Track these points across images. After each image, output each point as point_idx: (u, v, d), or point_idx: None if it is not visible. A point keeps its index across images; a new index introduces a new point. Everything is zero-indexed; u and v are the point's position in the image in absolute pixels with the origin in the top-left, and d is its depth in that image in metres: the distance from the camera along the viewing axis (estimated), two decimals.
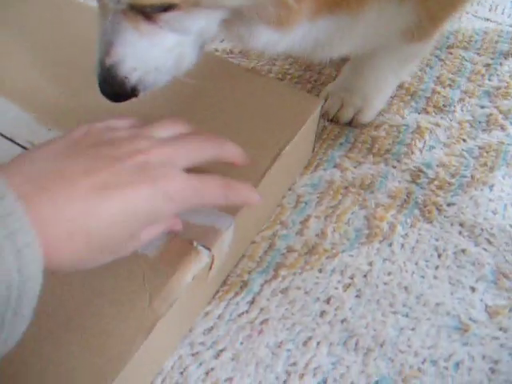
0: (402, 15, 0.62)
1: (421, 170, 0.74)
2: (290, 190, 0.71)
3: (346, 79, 0.81)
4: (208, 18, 0.52)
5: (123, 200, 0.39)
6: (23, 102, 0.63)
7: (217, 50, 0.91)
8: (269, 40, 0.57)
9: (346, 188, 0.72)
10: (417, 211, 0.70)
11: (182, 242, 0.50)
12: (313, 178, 0.73)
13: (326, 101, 0.79)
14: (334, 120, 0.80)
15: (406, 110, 0.82)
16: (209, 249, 0.50)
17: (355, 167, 0.74)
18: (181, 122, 0.50)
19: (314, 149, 0.75)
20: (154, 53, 0.53)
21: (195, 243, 0.50)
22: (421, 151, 0.77)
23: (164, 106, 0.63)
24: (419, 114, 0.82)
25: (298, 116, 0.65)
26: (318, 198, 0.70)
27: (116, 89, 0.54)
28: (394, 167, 0.75)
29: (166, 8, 0.48)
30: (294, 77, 0.87)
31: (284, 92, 0.68)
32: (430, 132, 0.79)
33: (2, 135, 0.59)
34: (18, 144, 0.59)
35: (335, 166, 0.74)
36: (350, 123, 0.80)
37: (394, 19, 0.62)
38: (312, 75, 0.87)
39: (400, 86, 0.85)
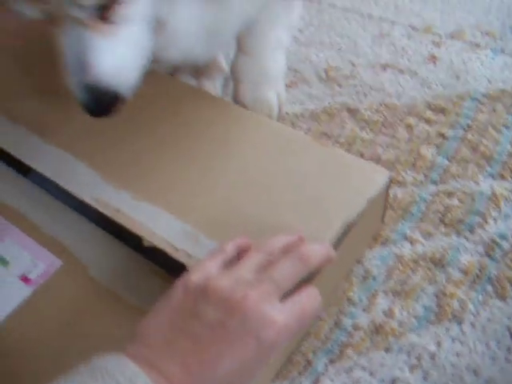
0: None
1: (495, 242, 0.72)
2: (358, 262, 0.71)
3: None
4: None
5: (233, 360, 0.42)
6: (90, 161, 0.69)
7: (287, 114, 0.93)
8: (182, 24, 0.64)
9: (416, 262, 0.71)
10: (489, 287, 0.68)
11: None
12: (382, 250, 0.73)
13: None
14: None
15: (480, 175, 0.80)
16: None
17: (426, 239, 0.73)
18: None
19: (383, 220, 0.75)
20: (121, 50, 0.56)
21: None
22: (495, 221, 0.75)
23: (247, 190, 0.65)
24: (494, 179, 0.80)
25: (366, 187, 0.65)
26: (386, 272, 0.70)
27: (104, 101, 0.56)
28: (467, 239, 0.73)
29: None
30: (365, 140, 0.88)
31: (351, 163, 0.69)
32: (506, 200, 0.77)
33: (69, 192, 0.64)
34: (84, 201, 0.64)
35: (405, 238, 0.74)
36: None
37: None
38: (384, 139, 0.88)
39: (474, 149, 0.84)
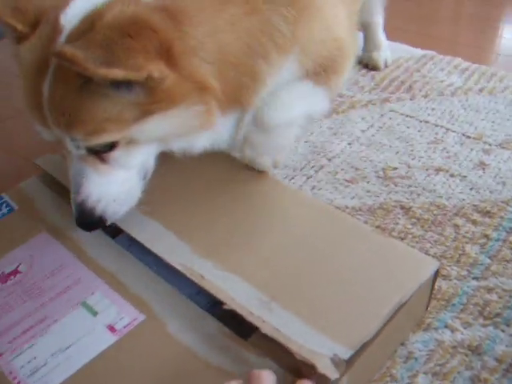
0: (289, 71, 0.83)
1: None
2: (402, 345, 0.81)
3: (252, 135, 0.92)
4: (143, 152, 0.75)
5: None
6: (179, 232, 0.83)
7: (347, 207, 1.06)
8: (203, 143, 0.79)
9: (455, 348, 0.80)
10: None
11: None
12: (424, 335, 0.82)
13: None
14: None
15: None
16: None
17: (465, 328, 0.82)
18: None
19: (427, 308, 0.85)
20: (111, 187, 0.75)
21: None
22: None
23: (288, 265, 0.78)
24: None
25: (415, 276, 0.76)
26: (427, 355, 0.79)
27: (88, 219, 0.75)
28: (503, 331, 0.82)
29: (111, 146, 0.70)
30: (415, 236, 0.98)
31: (405, 252, 0.81)
32: None
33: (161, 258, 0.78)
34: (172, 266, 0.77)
35: (446, 326, 0.83)
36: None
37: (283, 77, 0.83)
38: (432, 235, 0.98)
39: None
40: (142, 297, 0.78)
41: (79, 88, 0.65)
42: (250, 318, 0.70)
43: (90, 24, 0.66)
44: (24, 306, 0.78)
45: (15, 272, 0.84)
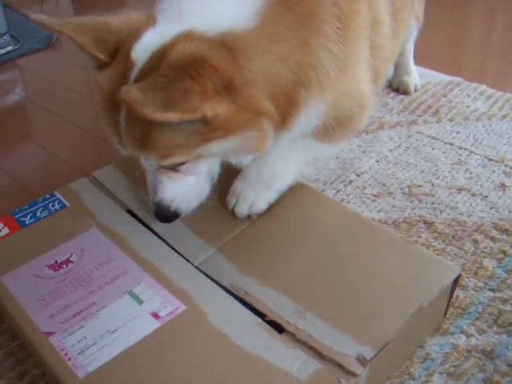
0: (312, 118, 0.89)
1: None
2: (420, 347, 0.87)
3: (249, 172, 1.00)
4: (209, 162, 0.85)
5: None
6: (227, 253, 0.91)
7: (373, 220, 1.12)
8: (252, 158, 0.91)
9: (469, 352, 0.86)
10: None
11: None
12: (441, 339, 0.88)
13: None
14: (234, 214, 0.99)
15: None
16: None
17: (480, 334, 0.88)
18: None
19: (445, 314, 0.91)
20: (182, 189, 0.87)
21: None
22: None
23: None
24: None
25: (437, 280, 0.83)
26: (443, 357, 0.85)
27: (165, 214, 0.89)
28: None
29: (182, 163, 0.81)
30: (436, 249, 1.05)
31: (428, 258, 0.88)
32: None
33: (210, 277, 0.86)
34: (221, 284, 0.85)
35: (462, 332, 0.89)
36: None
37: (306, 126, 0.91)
38: (453, 249, 1.04)
39: None
40: (185, 289, 0.85)
41: (149, 120, 0.70)
42: (286, 327, 0.78)
43: (157, 61, 0.75)
44: (75, 292, 0.86)
45: (67, 262, 0.92)
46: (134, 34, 0.79)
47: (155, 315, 0.82)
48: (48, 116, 1.65)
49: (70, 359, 0.76)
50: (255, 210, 0.98)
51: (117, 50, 0.80)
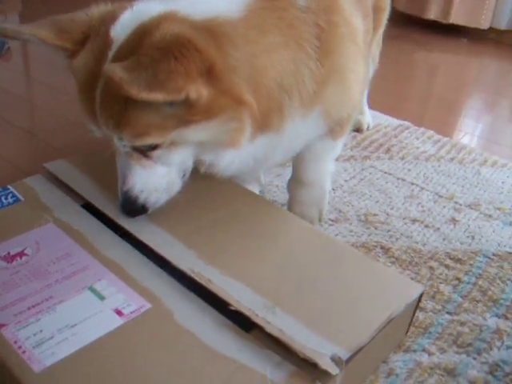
0: (313, 126, 0.93)
1: (498, 365, 0.88)
2: (384, 362, 0.87)
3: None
4: (182, 153, 0.82)
5: None
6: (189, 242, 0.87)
7: None
8: (228, 161, 0.85)
9: (432, 369, 0.86)
10: None
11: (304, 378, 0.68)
12: (404, 356, 0.88)
13: None
14: None
15: (487, 313, 0.98)
16: None
17: (441, 353, 0.89)
18: None
19: (407, 332, 0.92)
20: (153, 179, 0.83)
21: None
22: (499, 349, 0.91)
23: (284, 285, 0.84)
24: (499, 318, 0.97)
25: (403, 295, 0.83)
26: (407, 372, 0.85)
27: (131, 206, 0.84)
28: (475, 359, 0.88)
29: (155, 146, 0.78)
30: None
31: (393, 276, 0.90)
32: (508, 334, 0.93)
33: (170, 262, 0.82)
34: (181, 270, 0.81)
35: (424, 350, 0.89)
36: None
37: (307, 130, 0.93)
38: (410, 274, 1.06)
39: (483, 293, 1.02)
40: (149, 288, 0.81)
41: (126, 97, 0.70)
42: (255, 319, 0.74)
43: (138, 40, 0.74)
44: (30, 285, 0.80)
45: (21, 254, 0.86)
46: (111, 16, 0.79)
47: (118, 312, 0.77)
48: None
49: (24, 352, 0.70)
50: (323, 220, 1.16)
51: (85, 38, 0.80)
